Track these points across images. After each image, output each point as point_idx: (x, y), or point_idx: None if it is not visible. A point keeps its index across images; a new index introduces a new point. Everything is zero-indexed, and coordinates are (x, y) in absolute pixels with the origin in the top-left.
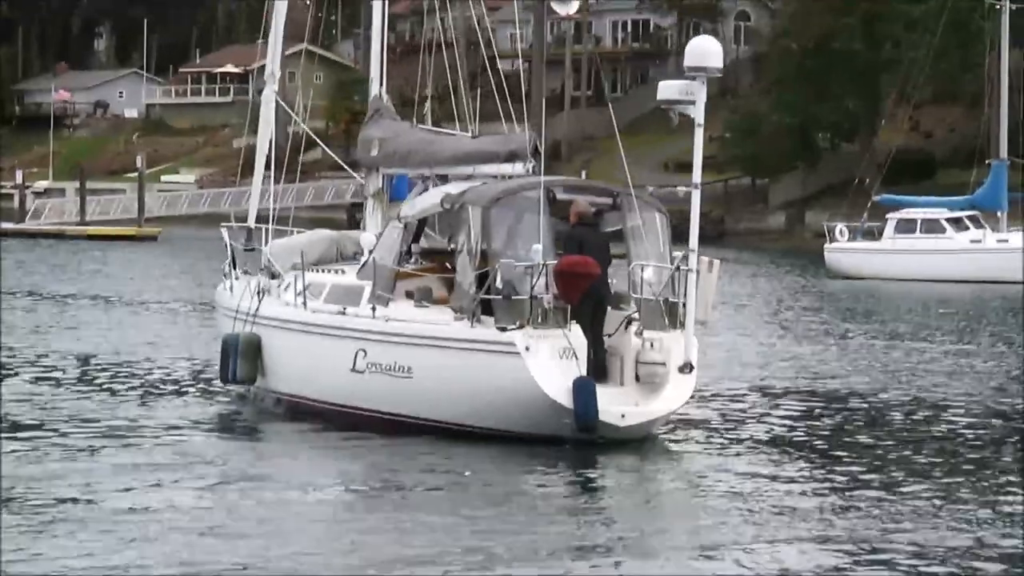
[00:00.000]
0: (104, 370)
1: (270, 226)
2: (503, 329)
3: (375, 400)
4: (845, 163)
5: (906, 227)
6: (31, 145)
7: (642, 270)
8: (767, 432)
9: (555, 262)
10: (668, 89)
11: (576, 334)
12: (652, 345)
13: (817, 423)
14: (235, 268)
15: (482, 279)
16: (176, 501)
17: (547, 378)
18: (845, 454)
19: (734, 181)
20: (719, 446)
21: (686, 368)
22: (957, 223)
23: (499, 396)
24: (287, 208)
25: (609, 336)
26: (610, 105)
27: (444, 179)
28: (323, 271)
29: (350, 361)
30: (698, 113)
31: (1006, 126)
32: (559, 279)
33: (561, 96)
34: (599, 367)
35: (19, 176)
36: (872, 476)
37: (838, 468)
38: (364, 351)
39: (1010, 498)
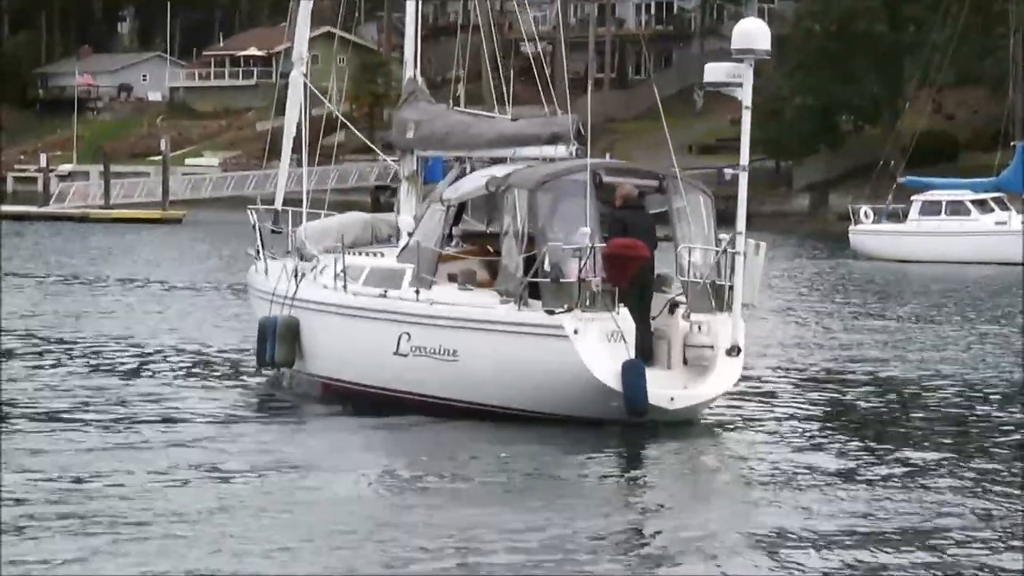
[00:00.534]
0: (139, 354)
1: (304, 209)
2: (551, 312)
3: (418, 383)
4: (868, 146)
5: (931, 209)
6: (55, 129)
7: (689, 253)
8: (812, 414)
9: (603, 245)
10: (715, 71)
11: (624, 317)
12: (700, 328)
13: (860, 405)
14: (263, 250)
15: (529, 262)
16: (225, 487)
17: (596, 361)
18: (890, 436)
19: (758, 164)
20: (763, 429)
21: (734, 351)
22: (982, 205)
23: (547, 379)
24: (311, 191)
25: (653, 319)
26: (654, 85)
27: (482, 161)
28: (359, 254)
29: (393, 344)
30: (745, 95)
31: None
32: (608, 262)
33: (584, 79)
34: (645, 350)
35: (43, 160)
36: (922, 457)
37: (884, 449)
38: (408, 334)
39: None
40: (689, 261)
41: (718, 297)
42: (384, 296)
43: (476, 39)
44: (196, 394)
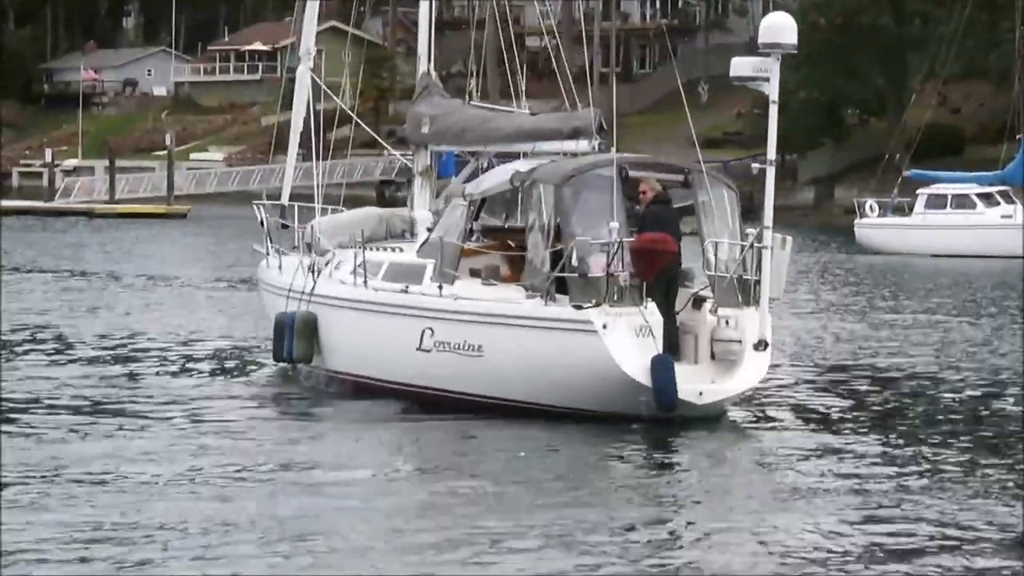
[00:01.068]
0: (153, 349)
1: (317, 204)
2: (579, 307)
3: (442, 379)
4: (873, 139)
5: (936, 202)
6: (60, 124)
7: (716, 247)
8: (835, 409)
9: (631, 240)
10: (742, 66)
11: (652, 312)
12: (727, 322)
13: (881, 399)
14: (271, 246)
15: (555, 257)
16: (250, 487)
17: (625, 356)
18: (914, 430)
19: (758, 157)
20: (788, 424)
21: (761, 345)
22: (987, 198)
23: (575, 374)
24: (316, 186)
25: (676, 313)
26: (677, 74)
27: (498, 156)
28: (375, 249)
29: (416, 339)
30: (772, 90)
31: None
32: (637, 256)
33: (589, 73)
34: (672, 345)
35: (48, 155)
36: (946, 453)
37: (909, 444)
38: (431, 329)
39: None
40: (716, 255)
41: (744, 291)
42: (406, 291)
43: (485, 33)
44: (215, 391)
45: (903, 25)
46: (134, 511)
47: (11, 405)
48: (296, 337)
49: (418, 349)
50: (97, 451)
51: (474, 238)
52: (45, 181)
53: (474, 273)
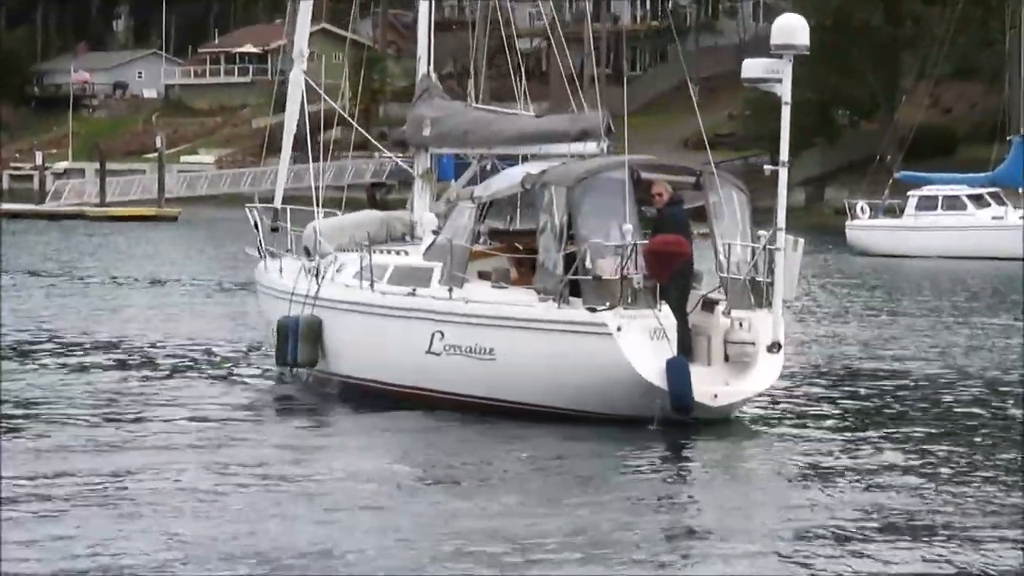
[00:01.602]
0: (152, 354)
1: (316, 208)
2: (593, 310)
3: (453, 383)
4: (864, 140)
5: (927, 204)
6: (50, 126)
7: (729, 249)
8: (846, 411)
9: (644, 242)
10: (753, 67)
11: (666, 314)
12: (741, 324)
13: (889, 400)
14: (264, 249)
15: (569, 259)
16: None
17: (640, 358)
18: (922, 431)
19: (754, 158)
20: (801, 426)
21: (774, 347)
22: (978, 200)
23: (590, 377)
24: (304, 188)
25: (687, 315)
26: (685, 68)
27: (501, 159)
28: (378, 251)
29: (425, 343)
30: (785, 91)
31: None
32: (652, 258)
33: (580, 75)
34: (685, 347)
35: (38, 157)
36: (958, 452)
37: (919, 445)
38: (441, 332)
39: None
40: (728, 257)
41: (757, 293)
42: (413, 294)
43: (477, 35)
44: (218, 395)
45: (895, 25)
46: (135, 520)
47: (8, 410)
48: (300, 341)
49: (428, 352)
50: (97, 463)
51: (481, 241)
52: (36, 184)
53: (483, 276)
